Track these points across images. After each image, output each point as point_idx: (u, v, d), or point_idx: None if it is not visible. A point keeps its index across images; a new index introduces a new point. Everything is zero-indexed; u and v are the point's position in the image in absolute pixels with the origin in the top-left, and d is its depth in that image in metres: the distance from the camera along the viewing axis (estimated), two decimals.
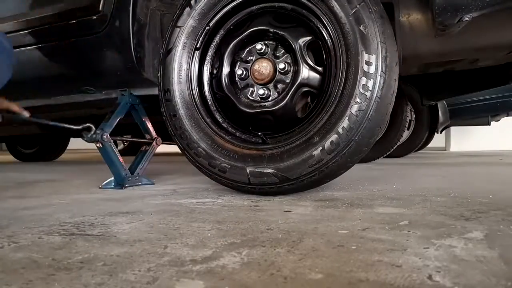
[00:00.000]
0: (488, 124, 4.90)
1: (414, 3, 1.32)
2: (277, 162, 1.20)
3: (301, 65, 1.27)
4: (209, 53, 1.44)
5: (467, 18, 1.08)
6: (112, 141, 1.60)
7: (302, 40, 1.28)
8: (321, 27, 1.24)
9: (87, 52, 1.55)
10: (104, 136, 1.56)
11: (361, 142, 1.14)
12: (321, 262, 0.59)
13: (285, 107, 1.28)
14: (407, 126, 3.28)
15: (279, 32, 1.30)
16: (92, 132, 1.54)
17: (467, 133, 6.85)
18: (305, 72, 1.27)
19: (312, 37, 1.29)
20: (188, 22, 1.38)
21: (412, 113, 3.56)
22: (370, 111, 1.12)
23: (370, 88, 1.11)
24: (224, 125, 1.39)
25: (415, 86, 3.35)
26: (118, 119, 1.65)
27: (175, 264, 0.58)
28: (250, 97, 1.37)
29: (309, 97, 1.34)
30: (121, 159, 1.62)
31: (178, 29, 1.39)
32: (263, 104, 1.33)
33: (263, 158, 1.23)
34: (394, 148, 3.26)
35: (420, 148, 4.79)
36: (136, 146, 3.52)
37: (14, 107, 1.36)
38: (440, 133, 4.45)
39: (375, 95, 1.11)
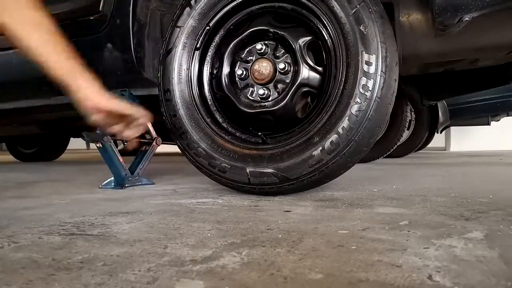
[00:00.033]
0: (488, 124, 4.90)
1: (414, 3, 1.32)
2: (277, 162, 1.20)
3: (301, 65, 1.27)
4: (209, 53, 1.44)
5: (467, 18, 1.08)
6: (112, 141, 1.60)
7: (302, 40, 1.28)
8: (321, 27, 1.24)
9: (87, 52, 1.55)
10: (104, 136, 1.56)
11: (361, 142, 1.14)
12: (321, 262, 0.59)
13: (285, 107, 1.28)
14: (407, 126, 3.28)
15: (279, 32, 1.30)
16: (92, 132, 1.55)
17: (467, 133, 6.85)
18: (305, 72, 1.27)
19: (312, 37, 1.29)
20: (188, 22, 1.38)
21: (412, 113, 3.55)
22: (370, 111, 1.12)
23: (370, 88, 1.11)
24: (224, 125, 1.39)
25: (415, 86, 3.35)
26: None
27: (175, 264, 0.58)
28: (250, 97, 1.37)
29: (309, 97, 1.34)
30: (121, 159, 1.62)
31: (178, 29, 1.39)
32: (263, 104, 1.33)
33: (263, 158, 1.23)
34: (394, 148, 3.26)
35: (420, 148, 4.79)
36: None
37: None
38: (440, 133, 4.45)
39: (375, 95, 1.11)
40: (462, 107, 4.21)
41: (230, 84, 1.39)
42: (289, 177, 1.19)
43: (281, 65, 1.31)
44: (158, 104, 1.44)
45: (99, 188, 1.62)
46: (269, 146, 1.25)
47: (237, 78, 1.39)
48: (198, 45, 1.39)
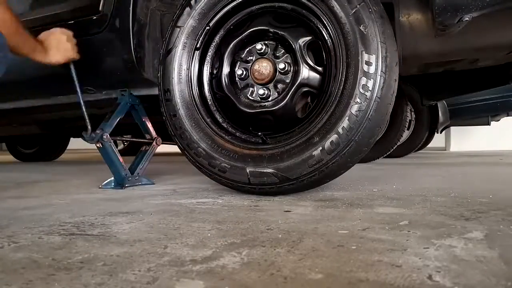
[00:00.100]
0: (488, 124, 4.90)
1: (414, 3, 1.32)
2: (277, 162, 1.20)
3: (301, 65, 1.27)
4: (209, 53, 1.44)
5: (467, 18, 1.08)
6: (112, 141, 1.60)
7: (302, 40, 1.28)
8: (321, 27, 1.24)
9: (87, 52, 1.55)
10: (104, 136, 1.56)
11: (361, 142, 1.14)
12: (321, 262, 0.59)
13: (285, 107, 1.28)
14: (407, 126, 3.28)
15: (279, 32, 1.30)
16: (92, 132, 1.55)
17: (467, 133, 6.85)
18: (305, 72, 1.27)
19: (312, 37, 1.29)
20: (188, 22, 1.38)
21: (412, 113, 3.55)
22: (370, 111, 1.12)
23: (370, 88, 1.11)
24: (224, 125, 1.39)
25: (415, 86, 3.35)
26: (118, 119, 1.65)
27: (175, 264, 0.58)
28: (250, 97, 1.37)
29: (309, 97, 1.34)
30: (121, 159, 1.62)
31: (178, 29, 1.39)
32: (263, 104, 1.33)
33: (263, 158, 1.23)
34: (394, 148, 3.26)
35: (420, 148, 4.79)
36: (136, 146, 3.53)
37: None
38: (440, 133, 4.44)
39: (375, 95, 1.11)
40: (462, 107, 4.21)
41: (230, 84, 1.39)
42: (289, 177, 1.19)
43: (281, 65, 1.31)
44: (158, 104, 1.44)
45: (99, 188, 1.62)
46: (269, 146, 1.25)
47: (237, 78, 1.39)
48: (198, 45, 1.39)
